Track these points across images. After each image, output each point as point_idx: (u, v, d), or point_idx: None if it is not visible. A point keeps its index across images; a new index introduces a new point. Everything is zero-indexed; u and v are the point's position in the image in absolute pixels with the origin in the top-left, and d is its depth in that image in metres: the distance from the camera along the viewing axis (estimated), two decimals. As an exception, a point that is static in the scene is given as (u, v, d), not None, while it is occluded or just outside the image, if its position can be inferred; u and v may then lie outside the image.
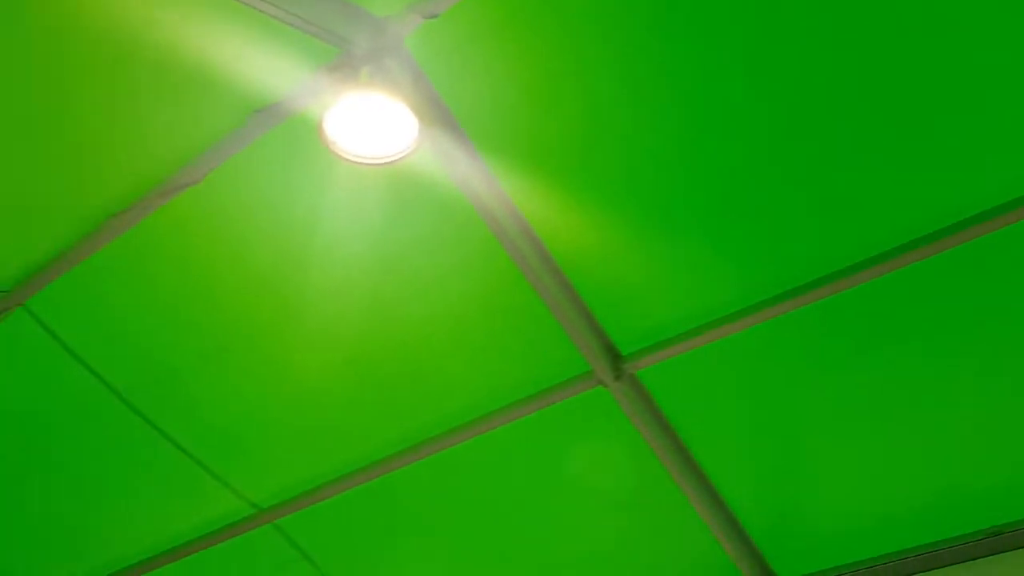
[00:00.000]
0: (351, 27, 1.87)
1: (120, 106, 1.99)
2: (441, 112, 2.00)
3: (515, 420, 2.52)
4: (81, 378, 2.61)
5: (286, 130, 2.06)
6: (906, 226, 2.02)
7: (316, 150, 2.04)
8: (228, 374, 2.61)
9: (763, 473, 2.58)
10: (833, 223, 2.06)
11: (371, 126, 1.97)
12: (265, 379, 2.61)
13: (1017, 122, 1.83)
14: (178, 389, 2.66)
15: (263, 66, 1.91)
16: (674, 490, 2.57)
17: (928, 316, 2.15)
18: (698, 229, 2.14)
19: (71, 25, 1.86)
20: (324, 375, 2.59)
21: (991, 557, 2.49)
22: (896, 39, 1.78)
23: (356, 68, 1.89)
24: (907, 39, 1.78)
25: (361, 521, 2.95)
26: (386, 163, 2.06)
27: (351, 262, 2.30)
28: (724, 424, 2.49)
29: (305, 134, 2.02)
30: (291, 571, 3.10)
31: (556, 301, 2.24)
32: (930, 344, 2.20)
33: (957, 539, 2.52)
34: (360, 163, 2.07)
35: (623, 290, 2.28)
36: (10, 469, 2.97)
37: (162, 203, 2.21)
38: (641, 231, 2.16)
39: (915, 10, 1.74)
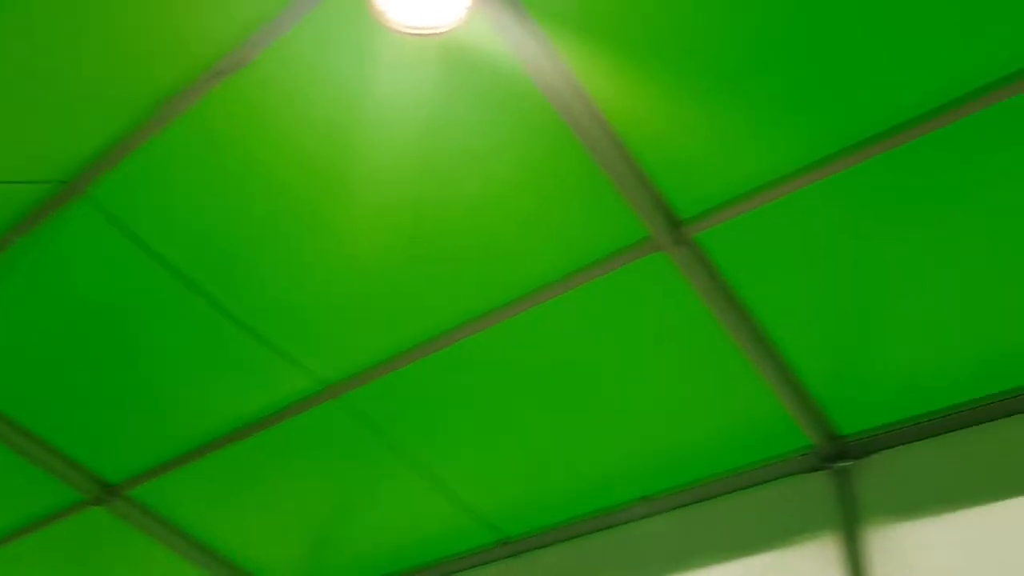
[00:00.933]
0: None
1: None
2: (492, -24, 1.93)
3: (574, 288, 2.54)
4: (145, 263, 2.67)
5: (334, 4, 2.00)
6: (963, 78, 1.95)
7: (366, 23, 1.99)
8: (288, 254, 2.64)
9: (826, 333, 2.58)
10: (888, 78, 1.99)
11: (421, -5, 1.91)
12: (324, 258, 2.65)
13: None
14: (240, 271, 2.71)
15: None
16: (735, 353, 2.60)
17: (993, 169, 2.10)
18: (752, 88, 2.07)
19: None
20: (382, 251, 2.60)
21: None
22: None
23: (403, -68, 1.83)
24: None
25: (425, 393, 3.03)
26: (438, 33, 2.01)
27: (404, 137, 2.28)
28: (786, 285, 2.48)
29: (354, 7, 1.97)
30: (359, 443, 3.23)
31: (613, 167, 2.21)
32: (997, 197, 2.16)
33: (1014, 391, 2.55)
34: (411, 34, 2.02)
35: (679, 154, 2.24)
36: (84, 354, 3.09)
37: (213, 86, 2.19)
38: (696, 95, 2.11)
39: None
